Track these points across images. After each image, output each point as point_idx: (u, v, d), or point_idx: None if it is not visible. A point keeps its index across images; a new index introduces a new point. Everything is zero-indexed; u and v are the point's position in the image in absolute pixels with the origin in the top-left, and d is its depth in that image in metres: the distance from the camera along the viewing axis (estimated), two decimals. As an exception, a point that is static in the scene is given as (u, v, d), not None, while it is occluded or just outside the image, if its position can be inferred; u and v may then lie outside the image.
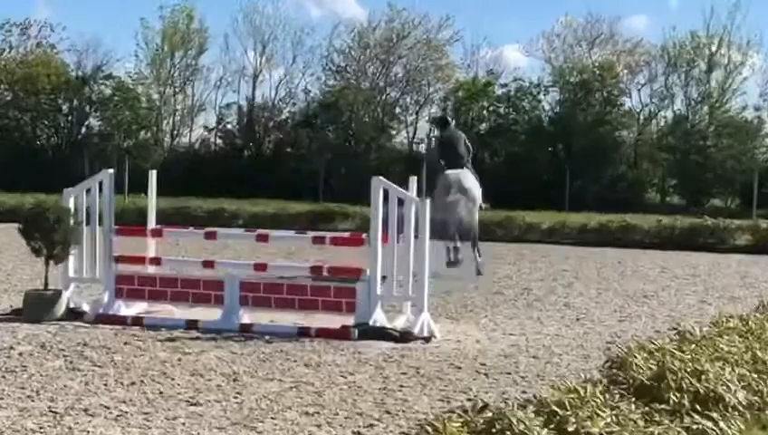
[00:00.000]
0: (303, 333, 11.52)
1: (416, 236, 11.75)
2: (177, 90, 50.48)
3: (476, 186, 18.69)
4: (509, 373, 9.79)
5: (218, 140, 51.31)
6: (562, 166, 41.98)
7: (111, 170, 13.17)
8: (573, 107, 46.56)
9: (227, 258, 16.46)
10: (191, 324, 11.87)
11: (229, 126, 51.06)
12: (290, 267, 14.83)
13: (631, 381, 7.57)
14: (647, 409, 6.91)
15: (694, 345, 8.69)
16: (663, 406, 7.02)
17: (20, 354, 10.04)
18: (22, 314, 12.29)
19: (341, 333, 11.38)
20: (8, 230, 22.52)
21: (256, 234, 13.83)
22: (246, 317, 12.13)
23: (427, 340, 11.39)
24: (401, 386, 9.07)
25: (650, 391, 7.33)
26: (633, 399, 7.11)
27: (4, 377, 9.00)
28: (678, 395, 7.19)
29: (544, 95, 48.18)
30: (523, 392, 8.75)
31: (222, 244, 19.83)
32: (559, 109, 47.65)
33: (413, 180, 12.50)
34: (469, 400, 8.34)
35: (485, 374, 9.73)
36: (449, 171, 18.34)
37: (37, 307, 12.23)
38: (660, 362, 7.80)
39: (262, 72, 50.48)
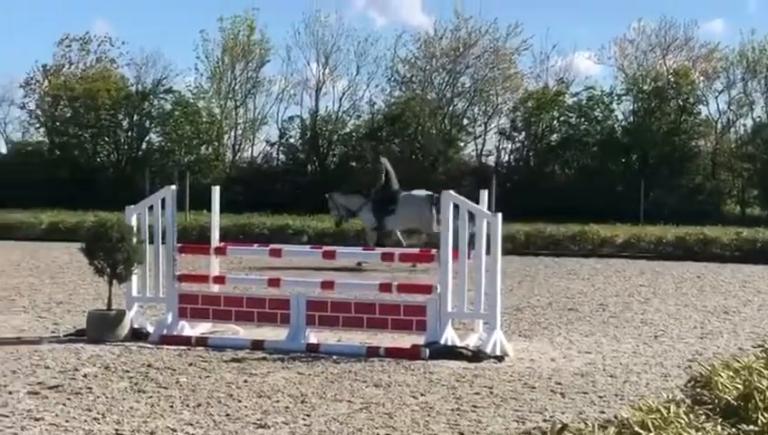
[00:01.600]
0: (372, 352, 11.24)
1: (487, 252, 11.46)
2: (238, 103, 50.42)
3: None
4: (586, 393, 9.46)
5: (281, 155, 51.25)
6: (637, 177, 41.15)
7: (174, 187, 12.97)
8: (647, 116, 45.90)
9: (293, 276, 16.21)
10: (257, 345, 11.62)
11: (292, 140, 50.98)
12: (358, 285, 14.57)
13: (716, 400, 7.31)
14: (733, 430, 6.67)
15: (782, 363, 8.34)
16: (751, 427, 6.77)
17: (85, 376, 9.86)
18: (85, 334, 12.12)
19: (412, 353, 11.09)
20: (70, 249, 22.62)
21: (323, 251, 13.57)
22: (313, 337, 11.88)
23: (500, 359, 11.08)
24: (474, 406, 8.79)
25: (737, 411, 7.05)
26: (719, 419, 6.81)
27: (69, 399, 8.82)
28: (767, 416, 6.87)
29: (617, 104, 47.50)
30: (602, 413, 8.47)
31: (287, 261, 19.59)
32: (632, 118, 46.92)
33: (483, 194, 12.17)
34: (545, 420, 8.16)
35: (561, 394, 9.42)
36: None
37: (101, 328, 12.04)
38: (747, 380, 7.51)
39: (325, 84, 50.34)
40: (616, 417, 6.85)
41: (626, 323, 14.35)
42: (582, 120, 47.29)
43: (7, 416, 8.13)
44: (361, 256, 16.40)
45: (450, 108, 48.57)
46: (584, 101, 47.20)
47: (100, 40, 51.65)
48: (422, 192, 23.91)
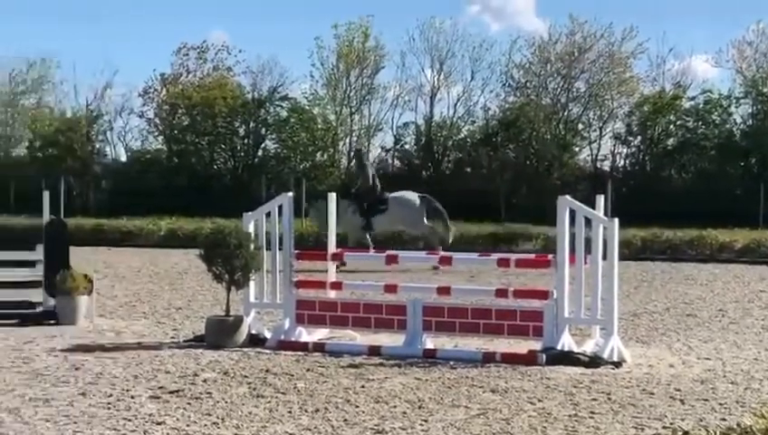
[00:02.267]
0: (489, 358, 11.22)
1: (603, 258, 11.36)
2: (353, 110, 50.60)
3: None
4: (706, 400, 9.32)
5: (396, 161, 51.36)
6: (756, 181, 40.19)
7: (291, 194, 13.08)
8: (767, 119, 45.00)
9: (408, 282, 16.23)
10: (374, 350, 11.66)
11: (407, 146, 51.06)
12: (474, 291, 14.54)
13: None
14: None
15: None
16: None
17: (204, 381, 9.99)
18: (204, 340, 12.28)
19: (528, 358, 11.04)
20: (188, 255, 22.95)
21: (439, 257, 13.56)
22: (430, 342, 11.89)
23: (618, 365, 10.97)
24: (592, 413, 8.72)
25: None
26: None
27: (189, 404, 8.95)
28: None
29: (736, 107, 46.49)
30: (723, 420, 8.33)
31: (402, 267, 19.64)
32: (751, 121, 45.98)
33: (600, 199, 12.07)
34: (665, 427, 8.06)
35: (681, 400, 9.29)
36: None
37: (219, 333, 12.19)
38: None
39: (439, 90, 50.34)
40: (738, 425, 6.73)
41: (746, 329, 14.11)
42: (700, 123, 46.44)
43: (130, 420, 8.28)
44: (478, 263, 16.34)
45: (565, 113, 48.19)
46: (701, 105, 46.38)
47: (217, 48, 52.30)
48: (413, 194, 25.19)
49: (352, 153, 28.73)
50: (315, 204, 25.26)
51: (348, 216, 24.43)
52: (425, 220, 25.27)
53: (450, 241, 24.95)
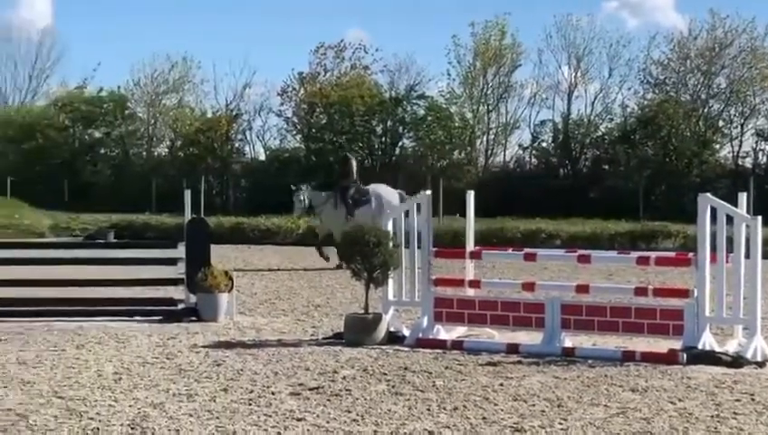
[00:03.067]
0: (628, 356, 11.11)
1: (746, 256, 11.17)
2: (490, 108, 50.52)
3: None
4: None
5: (533, 159, 51.13)
6: None
7: (428, 192, 13.11)
8: None
9: (546, 280, 16.16)
10: (512, 348, 11.64)
11: (544, 144, 50.78)
12: (613, 289, 14.39)
13: None
14: None
15: None
16: None
17: (344, 378, 10.07)
18: (343, 337, 12.38)
19: (668, 357, 10.91)
20: (327, 253, 23.11)
21: (578, 255, 13.46)
22: (568, 341, 11.82)
23: (762, 365, 10.78)
24: (735, 413, 8.60)
25: None
26: None
27: (329, 401, 9.03)
28: None
29: None
30: None
31: (540, 265, 19.53)
32: None
33: (742, 197, 11.86)
34: (813, 430, 7.83)
35: (827, 402, 9.08)
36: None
37: (358, 331, 12.27)
38: None
39: (577, 87, 50.01)
40: None
41: None
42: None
43: (271, 416, 8.39)
44: (616, 261, 16.16)
45: (705, 109, 47.35)
46: None
47: (355, 47, 52.62)
48: (391, 189, 25.01)
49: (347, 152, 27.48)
50: (299, 192, 24.91)
51: (329, 208, 24.30)
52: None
53: None
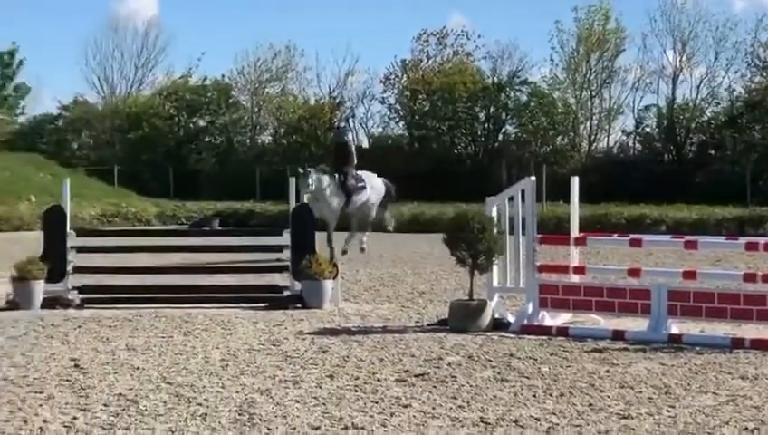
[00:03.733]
0: (737, 344, 10.95)
1: None
2: (593, 93, 50.16)
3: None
4: None
5: (637, 144, 50.61)
6: None
7: (533, 178, 13.04)
8: None
9: (651, 266, 15.99)
10: (618, 335, 11.54)
11: (648, 129, 50.26)
12: (720, 275, 14.19)
13: None
14: None
15: None
16: None
17: (449, 364, 10.07)
18: (448, 324, 12.38)
19: (779, 345, 10.74)
20: (430, 240, 23.14)
21: (684, 241, 13.30)
22: (675, 327, 11.67)
23: None
24: None
25: None
26: None
27: (435, 387, 9.04)
28: None
29: None
30: None
31: (645, 251, 19.31)
32: None
33: None
34: None
35: None
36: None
37: (463, 317, 12.26)
38: None
39: (682, 72, 49.38)
40: None
41: None
42: None
43: (377, 402, 8.41)
44: (724, 247, 15.93)
45: (814, 91, 46.43)
46: None
47: (457, 34, 52.67)
48: (375, 176, 23.75)
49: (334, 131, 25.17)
50: (309, 175, 21.86)
51: (328, 194, 22.24)
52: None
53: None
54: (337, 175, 22.46)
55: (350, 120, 54.09)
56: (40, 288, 14.45)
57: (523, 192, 12.85)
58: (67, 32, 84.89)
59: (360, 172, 23.09)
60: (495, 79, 51.23)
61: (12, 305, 14.33)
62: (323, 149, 51.56)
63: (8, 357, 10.48)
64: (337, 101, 54.05)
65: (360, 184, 22.75)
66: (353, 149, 23.62)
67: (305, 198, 20.60)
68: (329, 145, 52.13)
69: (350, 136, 25.19)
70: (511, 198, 12.96)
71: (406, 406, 8.26)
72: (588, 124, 50.53)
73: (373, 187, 23.19)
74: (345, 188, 22.44)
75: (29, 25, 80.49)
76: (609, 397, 8.59)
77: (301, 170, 21.64)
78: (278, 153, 51.96)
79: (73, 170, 42.76)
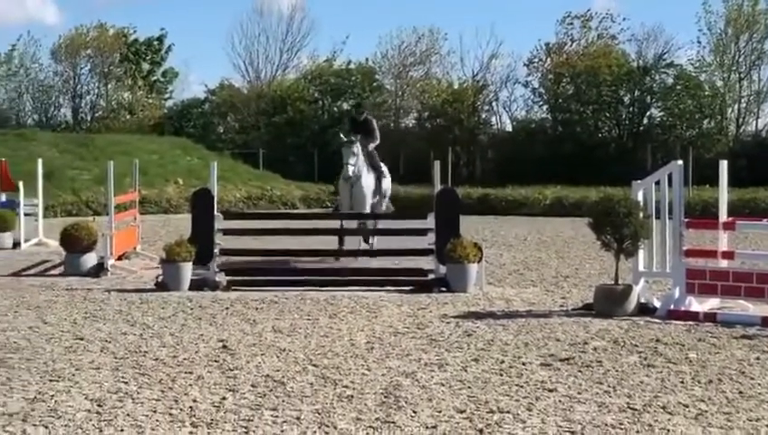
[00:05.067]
0: None
1: None
2: (742, 75, 49.10)
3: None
4: None
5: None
6: None
7: (680, 162, 12.85)
8: None
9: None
10: (767, 322, 11.32)
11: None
12: None
13: None
14: None
15: None
16: None
17: (594, 349, 10.00)
18: (593, 308, 12.29)
19: None
20: (574, 224, 22.98)
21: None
22: (828, 314, 11.41)
23: None
24: None
25: None
26: None
27: (580, 371, 9.00)
28: None
29: None
30: None
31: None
32: None
33: None
34: None
35: None
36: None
37: (608, 302, 12.16)
38: None
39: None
40: None
41: None
42: None
43: (522, 386, 8.41)
44: None
45: None
46: None
47: (601, 17, 52.09)
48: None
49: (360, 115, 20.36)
50: (352, 145, 18.66)
51: (366, 180, 18.80)
52: None
53: None
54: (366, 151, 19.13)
55: (494, 104, 53.96)
56: (188, 270, 14.74)
57: (669, 176, 12.68)
58: (214, 17, 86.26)
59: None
60: (641, 62, 50.50)
61: (161, 287, 14.65)
62: (467, 132, 51.57)
63: (158, 338, 10.72)
64: (480, 84, 53.88)
65: (382, 170, 19.70)
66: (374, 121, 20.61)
67: (349, 171, 18.23)
68: (471, 128, 52.19)
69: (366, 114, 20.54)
70: (657, 182, 12.80)
71: (551, 390, 8.23)
72: (736, 107, 49.48)
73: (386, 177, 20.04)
74: (376, 166, 19.42)
75: (177, 11, 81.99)
76: (759, 384, 8.46)
77: (344, 138, 18.89)
78: (422, 137, 52.00)
79: (219, 154, 43.34)
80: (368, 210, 18.34)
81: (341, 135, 19.29)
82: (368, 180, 18.79)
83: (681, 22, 79.84)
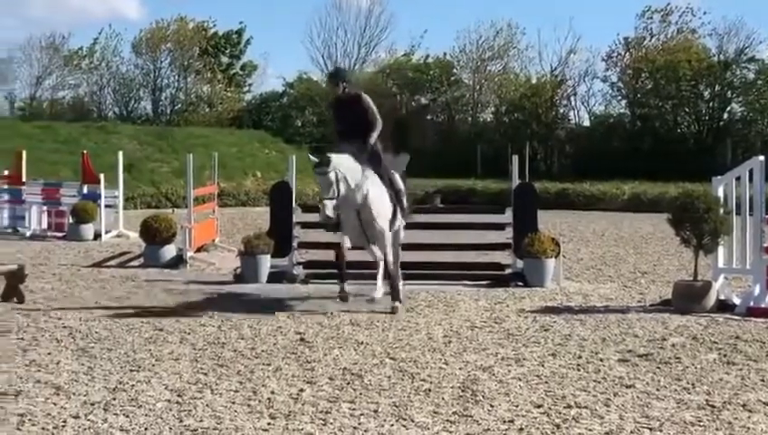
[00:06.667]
0: None
1: None
2: (824, 70, 48.50)
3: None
4: None
5: None
6: None
7: (761, 158, 12.70)
8: None
9: None
10: None
11: None
12: None
13: None
14: None
15: None
16: None
17: (673, 346, 9.94)
18: (671, 304, 12.20)
19: None
20: (652, 220, 22.81)
21: None
22: None
23: None
24: None
25: None
26: None
27: (659, 368, 8.94)
28: None
29: None
30: None
31: None
32: None
33: None
34: None
35: None
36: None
37: (686, 298, 12.06)
38: None
39: None
40: None
41: None
42: None
43: (599, 381, 8.38)
44: None
45: None
46: None
47: (681, 11, 51.62)
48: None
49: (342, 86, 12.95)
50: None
51: (375, 201, 12.63)
52: None
53: None
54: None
55: (572, 99, 53.70)
56: (266, 263, 14.84)
57: (750, 172, 12.55)
58: (292, 10, 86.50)
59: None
60: (721, 56, 49.97)
61: (239, 279, 14.77)
62: (545, 127, 51.36)
63: (237, 329, 10.82)
64: (558, 79, 53.64)
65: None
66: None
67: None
68: (549, 123, 51.97)
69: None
70: (738, 178, 12.67)
71: (629, 386, 8.20)
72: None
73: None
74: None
75: (256, 4, 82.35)
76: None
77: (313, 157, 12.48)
78: (499, 131, 51.96)
79: (297, 147, 43.55)
80: (388, 241, 12.69)
81: (309, 154, 12.97)
82: (377, 200, 12.57)
83: (763, 16, 78.80)
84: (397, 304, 12.20)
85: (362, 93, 13.25)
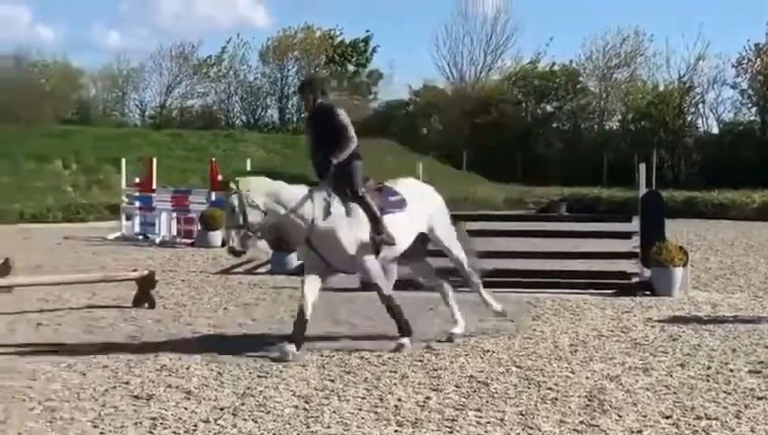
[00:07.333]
0: None
1: None
2: None
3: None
4: None
5: None
6: None
7: None
8: None
9: None
10: None
11: None
12: None
13: None
14: None
15: None
16: None
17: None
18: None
19: None
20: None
21: None
22: None
23: None
24: None
25: None
26: None
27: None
28: None
29: None
30: None
31: None
32: None
33: None
34: None
35: None
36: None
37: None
38: None
39: None
40: None
41: None
42: None
43: (730, 393, 8.25)
44: None
45: None
46: None
47: (815, 15, 50.68)
48: None
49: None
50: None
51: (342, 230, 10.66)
52: None
53: None
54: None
55: (700, 106, 52.99)
56: (393, 270, 14.84)
57: None
58: (419, 19, 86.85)
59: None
60: None
61: (366, 287, 14.79)
62: (672, 134, 50.75)
63: (364, 336, 10.88)
64: (687, 86, 52.96)
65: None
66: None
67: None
68: (677, 130, 51.31)
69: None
70: None
71: (760, 398, 8.07)
72: None
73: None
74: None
75: (383, 13, 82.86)
76: None
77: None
78: (625, 139, 51.51)
79: (423, 155, 43.65)
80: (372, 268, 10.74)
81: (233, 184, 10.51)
82: (337, 222, 10.54)
83: None
84: (403, 340, 10.29)
85: (335, 108, 11.18)
